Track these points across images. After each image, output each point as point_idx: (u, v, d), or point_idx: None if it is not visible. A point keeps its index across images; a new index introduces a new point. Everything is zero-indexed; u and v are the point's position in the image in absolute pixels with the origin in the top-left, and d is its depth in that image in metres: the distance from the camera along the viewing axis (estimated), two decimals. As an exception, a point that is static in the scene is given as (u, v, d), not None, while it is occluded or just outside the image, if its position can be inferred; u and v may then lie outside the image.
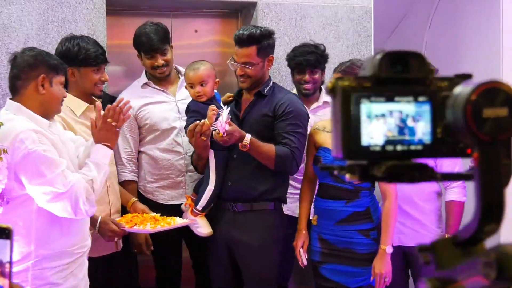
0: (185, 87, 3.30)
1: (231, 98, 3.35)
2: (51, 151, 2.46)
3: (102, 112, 2.72)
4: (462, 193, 3.52)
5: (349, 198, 3.15)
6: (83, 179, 2.49)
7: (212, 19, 4.35)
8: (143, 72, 3.64)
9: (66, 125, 3.00)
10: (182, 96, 3.55)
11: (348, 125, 0.87)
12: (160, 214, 3.21)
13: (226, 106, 3.03)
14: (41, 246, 2.48)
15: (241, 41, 3.10)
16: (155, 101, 3.54)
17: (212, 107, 3.07)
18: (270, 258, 3.21)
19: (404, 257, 3.69)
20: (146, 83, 3.58)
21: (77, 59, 3.05)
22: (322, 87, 3.81)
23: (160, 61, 3.48)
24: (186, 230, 3.37)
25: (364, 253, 3.14)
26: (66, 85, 3.03)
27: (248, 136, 3.00)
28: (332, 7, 4.25)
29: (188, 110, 3.18)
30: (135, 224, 3.04)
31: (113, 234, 3.00)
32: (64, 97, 2.69)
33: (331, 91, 0.88)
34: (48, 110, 2.60)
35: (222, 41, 4.26)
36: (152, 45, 3.45)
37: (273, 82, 3.30)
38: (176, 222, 3.12)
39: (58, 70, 2.63)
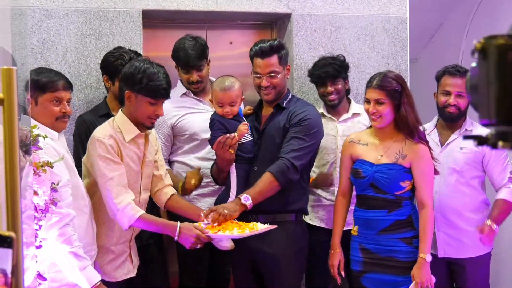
0: (210, 100, 3.31)
1: (251, 111, 3.37)
2: (55, 164, 2.54)
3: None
4: None
5: (390, 207, 3.13)
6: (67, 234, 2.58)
7: (247, 31, 4.37)
8: (179, 82, 3.69)
9: (117, 146, 2.94)
10: None
11: (506, 85, 0.78)
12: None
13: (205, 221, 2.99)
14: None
15: (264, 52, 3.18)
16: (195, 111, 3.60)
17: (245, 124, 3.15)
18: (295, 268, 3.23)
19: (449, 269, 3.63)
20: (185, 93, 3.64)
21: (138, 85, 2.91)
22: (351, 97, 3.81)
23: (195, 76, 3.54)
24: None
25: (407, 261, 3.11)
26: (123, 103, 3.02)
27: (243, 197, 3.01)
28: (367, 18, 4.23)
29: (213, 123, 3.20)
30: (219, 230, 2.92)
31: (197, 241, 2.88)
32: (63, 112, 2.79)
33: (481, 52, 0.80)
34: (44, 125, 2.73)
35: (257, 52, 4.26)
36: (188, 61, 3.51)
37: (292, 95, 3.34)
38: (259, 227, 3.03)
39: (45, 88, 2.76)
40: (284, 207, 3.19)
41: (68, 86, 2.86)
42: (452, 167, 3.51)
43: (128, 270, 3.11)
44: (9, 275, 1.06)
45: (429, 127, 3.61)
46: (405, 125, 3.11)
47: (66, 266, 2.52)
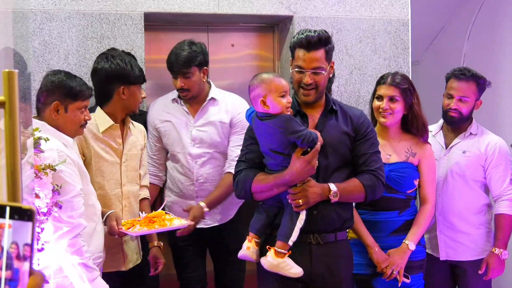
0: (261, 102, 2.64)
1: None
2: (69, 173, 2.55)
3: None
4: None
5: (401, 207, 3.15)
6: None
7: (249, 33, 4.37)
8: None
9: (85, 142, 3.05)
10: (202, 121, 3.48)
11: None
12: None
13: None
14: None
15: (310, 44, 2.71)
16: (176, 121, 3.49)
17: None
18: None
19: (451, 271, 3.62)
20: (175, 99, 3.55)
21: (131, 77, 3.09)
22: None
23: (179, 83, 3.40)
24: (211, 243, 3.33)
25: (416, 260, 3.13)
26: (106, 101, 3.11)
27: (332, 185, 2.68)
28: (369, 20, 4.23)
29: (295, 131, 2.59)
30: (132, 225, 2.97)
31: (110, 230, 2.97)
32: (86, 120, 2.81)
33: None
34: (65, 132, 2.73)
35: (258, 55, 4.27)
36: (171, 67, 3.41)
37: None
38: (173, 223, 3.03)
39: (76, 96, 2.75)
40: (345, 223, 2.81)
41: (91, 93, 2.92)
42: (454, 170, 3.50)
43: (118, 263, 3.15)
44: (27, 248, 1.03)
45: (435, 129, 3.60)
46: (418, 124, 3.14)
47: (76, 277, 2.52)
